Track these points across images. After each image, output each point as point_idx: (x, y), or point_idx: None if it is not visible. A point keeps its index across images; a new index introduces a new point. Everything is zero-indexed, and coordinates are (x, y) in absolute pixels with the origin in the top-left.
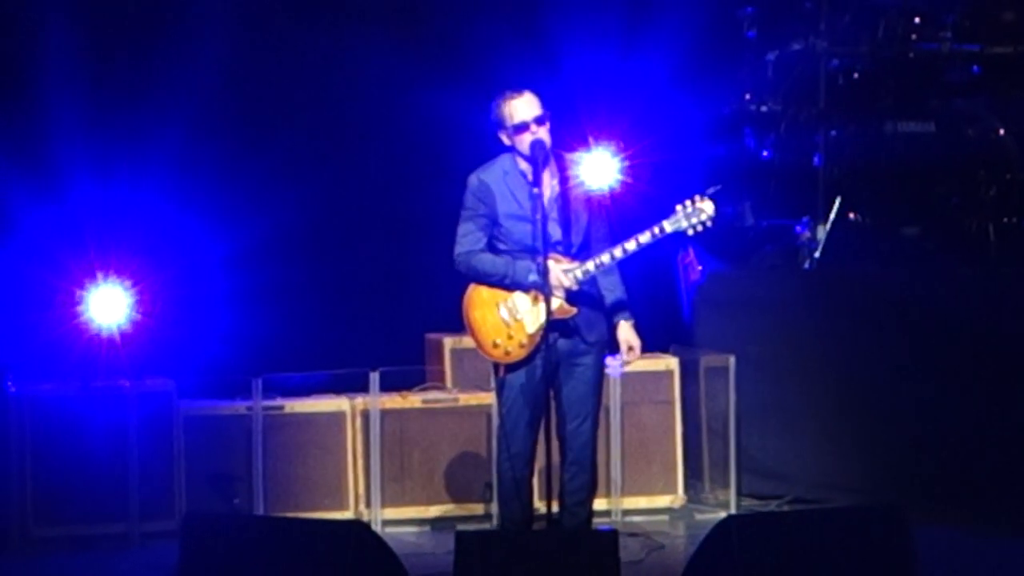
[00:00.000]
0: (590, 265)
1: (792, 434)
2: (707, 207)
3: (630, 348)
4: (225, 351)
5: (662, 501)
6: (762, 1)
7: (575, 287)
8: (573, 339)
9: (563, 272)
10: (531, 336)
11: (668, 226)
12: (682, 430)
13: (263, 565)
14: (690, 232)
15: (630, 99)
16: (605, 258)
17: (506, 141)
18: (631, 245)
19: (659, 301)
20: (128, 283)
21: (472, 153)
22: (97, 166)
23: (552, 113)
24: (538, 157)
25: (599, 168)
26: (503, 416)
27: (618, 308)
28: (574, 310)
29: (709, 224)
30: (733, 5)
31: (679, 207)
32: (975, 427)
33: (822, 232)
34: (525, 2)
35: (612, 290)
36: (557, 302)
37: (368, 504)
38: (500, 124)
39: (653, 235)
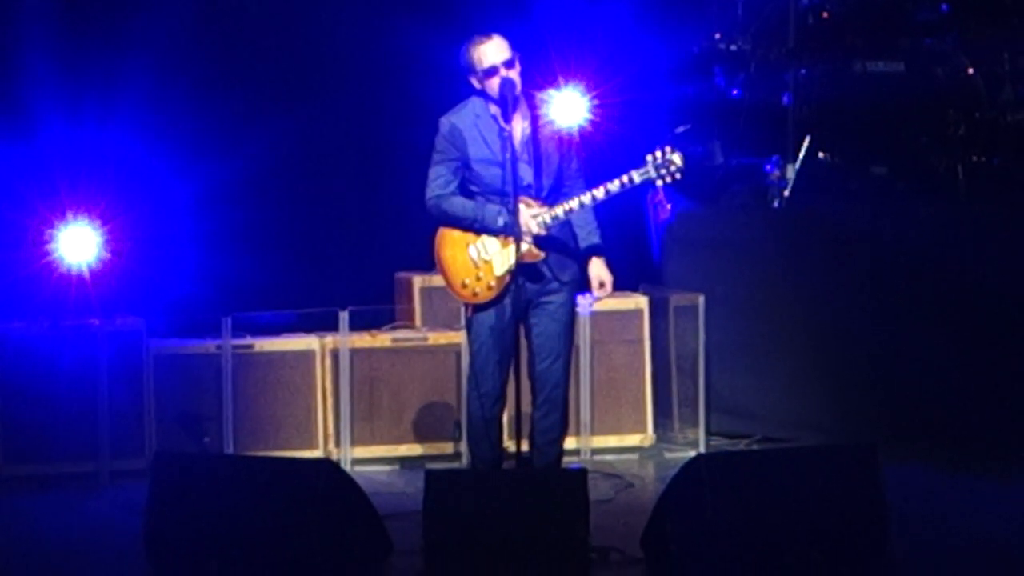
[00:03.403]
0: (558, 210)
1: (761, 373)
2: (677, 158)
3: (601, 284)
4: (195, 290)
5: (631, 440)
6: None
7: (543, 232)
8: (544, 279)
9: (531, 217)
10: (499, 278)
11: (637, 176)
12: (651, 369)
13: (233, 503)
14: (659, 183)
15: (599, 38)
16: (573, 204)
17: (477, 85)
18: (599, 193)
19: (628, 240)
20: (98, 222)
21: (443, 93)
22: (66, 105)
23: (521, 54)
24: (508, 96)
25: (568, 107)
26: (473, 355)
27: (591, 248)
28: (542, 254)
29: (679, 176)
30: None
31: (649, 157)
32: (944, 365)
33: (791, 171)
34: None
35: (587, 232)
36: (525, 246)
37: (337, 443)
38: (470, 69)
39: (622, 184)
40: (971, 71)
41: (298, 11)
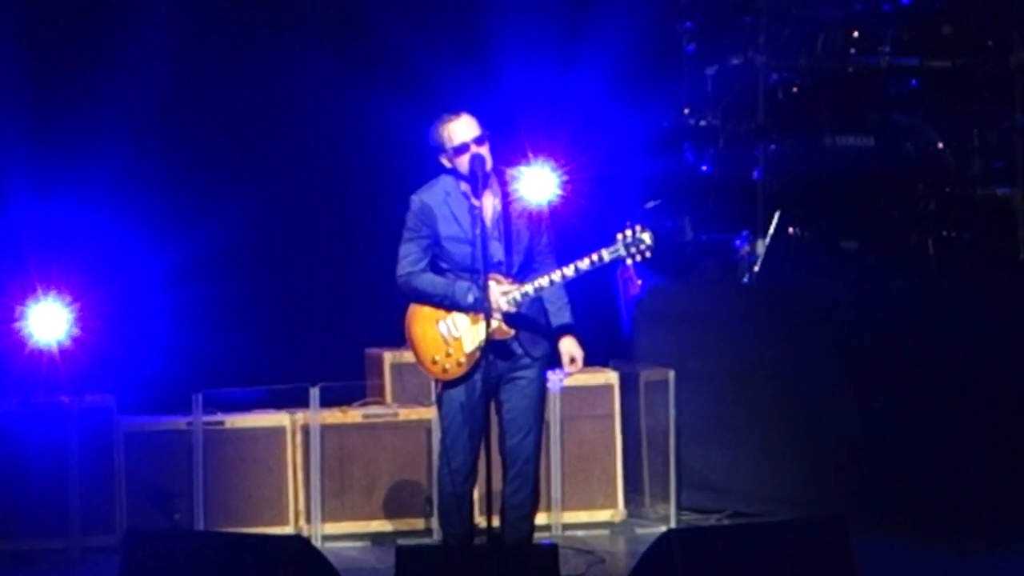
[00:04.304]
0: (528, 288)
1: (732, 448)
2: (647, 237)
3: (572, 360)
4: (165, 366)
5: (602, 515)
6: (701, 16)
7: (513, 310)
8: (514, 355)
9: (501, 295)
10: (469, 355)
11: (607, 255)
12: (622, 444)
13: None
14: (629, 261)
15: (569, 114)
16: (543, 282)
17: (447, 164)
18: (569, 271)
19: (599, 315)
20: (68, 299)
21: (412, 168)
22: (36, 181)
23: (491, 129)
24: (478, 173)
25: (539, 183)
26: (443, 431)
27: (562, 325)
28: (512, 332)
29: (648, 255)
30: (672, 20)
31: (619, 236)
32: (914, 439)
33: (761, 246)
34: (464, 18)
35: (558, 308)
36: (495, 323)
37: (308, 519)
38: (440, 147)
39: (592, 263)
40: (941, 146)
41: (267, 88)
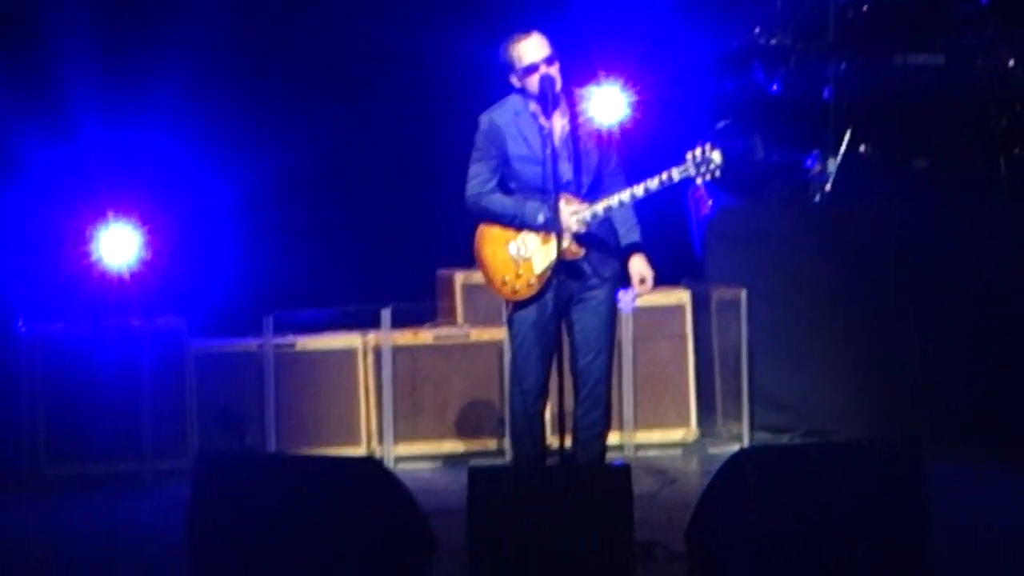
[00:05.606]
0: (598, 208)
1: (804, 367)
2: (716, 156)
3: (642, 280)
4: (236, 289)
5: (675, 435)
6: None
7: (583, 230)
8: (584, 275)
9: (571, 214)
10: (539, 275)
11: (677, 174)
12: (694, 364)
13: (276, 502)
14: (699, 181)
15: (639, 34)
16: (613, 202)
17: (516, 83)
18: (639, 191)
19: (670, 235)
20: (139, 222)
21: (483, 90)
22: (107, 106)
23: (561, 51)
24: (548, 93)
25: (608, 104)
26: (515, 352)
27: (631, 244)
28: (582, 251)
29: (718, 174)
30: None
31: (689, 155)
32: (984, 361)
33: (832, 166)
34: None
35: (627, 228)
36: (565, 243)
37: (380, 440)
38: (510, 66)
39: (661, 182)
40: (1012, 64)
41: (337, 9)
